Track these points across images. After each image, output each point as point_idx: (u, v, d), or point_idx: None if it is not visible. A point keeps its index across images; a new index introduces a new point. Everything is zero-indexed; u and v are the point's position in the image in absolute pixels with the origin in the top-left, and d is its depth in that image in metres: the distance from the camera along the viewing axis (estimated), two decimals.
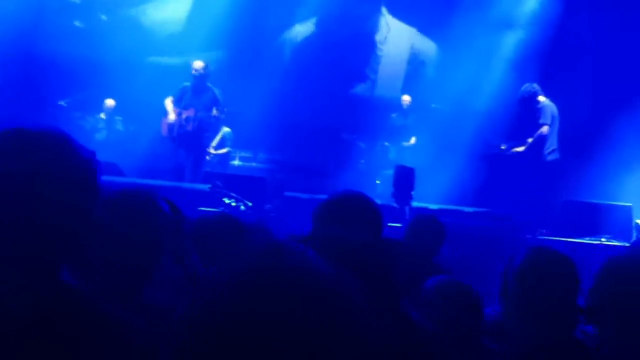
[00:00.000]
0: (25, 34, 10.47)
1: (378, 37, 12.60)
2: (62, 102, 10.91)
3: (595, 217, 7.68)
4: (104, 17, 11.52)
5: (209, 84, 9.44)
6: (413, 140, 10.83)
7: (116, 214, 1.97)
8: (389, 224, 7.18)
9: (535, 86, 8.74)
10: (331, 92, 11.84)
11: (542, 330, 2.29)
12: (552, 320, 2.32)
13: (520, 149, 8.80)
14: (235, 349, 0.83)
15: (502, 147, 9.15)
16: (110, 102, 10.96)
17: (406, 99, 11.09)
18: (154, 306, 1.90)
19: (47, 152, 1.37)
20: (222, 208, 7.21)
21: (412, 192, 7.72)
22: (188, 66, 9.61)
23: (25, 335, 1.31)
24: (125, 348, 1.37)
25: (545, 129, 8.57)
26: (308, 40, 12.38)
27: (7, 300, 1.33)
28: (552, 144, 8.67)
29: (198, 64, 9.37)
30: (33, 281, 1.35)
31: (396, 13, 12.50)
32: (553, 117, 8.66)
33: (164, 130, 9.58)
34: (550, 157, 8.66)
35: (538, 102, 8.64)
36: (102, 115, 10.98)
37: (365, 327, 0.90)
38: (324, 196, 2.57)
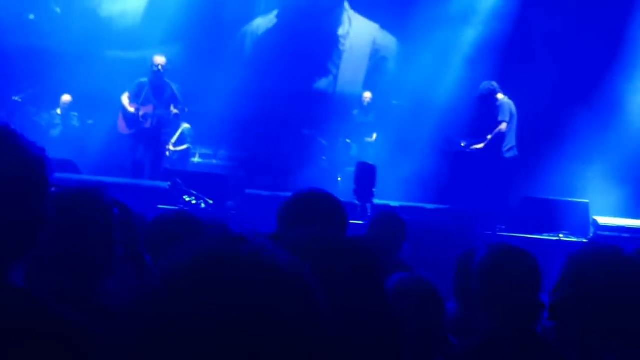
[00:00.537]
0: None
1: (340, 32, 12.59)
2: (16, 98, 10.64)
3: (553, 214, 7.79)
4: (58, 9, 11.27)
5: (167, 80, 9.28)
6: (374, 136, 10.85)
7: (65, 212, 1.93)
8: (351, 221, 7.17)
9: (494, 84, 8.85)
10: (293, 87, 11.78)
11: (504, 326, 2.31)
12: (514, 316, 2.35)
13: (480, 146, 8.89)
14: (184, 337, 0.79)
15: (462, 144, 9.23)
16: (66, 98, 10.74)
17: (367, 95, 11.09)
18: (110, 307, 1.86)
19: None
20: (182, 206, 7.12)
21: (374, 189, 7.74)
22: (145, 60, 9.43)
23: None
24: (71, 349, 1.34)
25: (503, 126, 8.67)
26: (269, 33, 12.30)
27: None
28: (510, 141, 8.78)
29: (160, 59, 9.14)
30: None
31: (358, 8, 12.50)
32: (511, 115, 8.77)
33: (121, 128, 9.40)
34: (508, 154, 8.77)
35: (497, 99, 8.75)
36: (58, 111, 10.75)
37: (324, 316, 0.86)
38: (285, 193, 2.56)
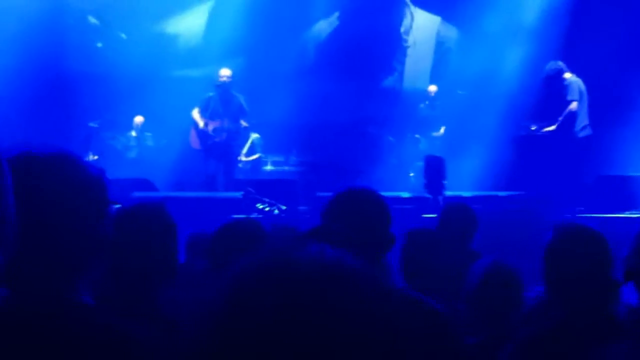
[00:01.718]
0: (52, 59, 10.66)
1: (402, 28, 12.52)
2: (93, 124, 11.06)
3: (631, 191, 7.53)
4: (123, 35, 11.67)
5: (234, 92, 9.47)
6: (442, 130, 10.76)
7: (126, 227, 2.01)
8: (424, 215, 7.14)
9: (560, 64, 8.63)
10: (358, 88, 11.78)
11: (575, 309, 2.27)
12: (585, 297, 2.30)
13: (551, 128, 8.69)
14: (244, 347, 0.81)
15: (533, 128, 9.04)
16: (139, 119, 11.09)
17: (432, 88, 11.03)
18: (170, 318, 1.92)
19: (56, 174, 1.40)
20: (256, 214, 7.26)
21: (444, 182, 7.68)
22: (210, 76, 9.65)
23: (43, 349, 1.35)
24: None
25: (574, 106, 8.45)
26: (332, 36, 12.35)
27: (25, 316, 1.38)
28: (582, 120, 8.54)
29: (225, 72, 9.34)
30: (50, 298, 1.40)
31: (418, 2, 12.42)
32: (581, 93, 8.53)
33: (194, 143, 9.65)
34: (582, 134, 8.54)
35: (564, 79, 8.53)
36: (133, 133, 11.12)
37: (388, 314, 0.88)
38: None
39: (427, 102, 10.96)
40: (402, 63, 12.51)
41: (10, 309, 1.38)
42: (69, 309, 1.41)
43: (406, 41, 12.49)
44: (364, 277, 0.87)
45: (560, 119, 8.57)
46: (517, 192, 8.04)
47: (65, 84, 10.97)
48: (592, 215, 7.09)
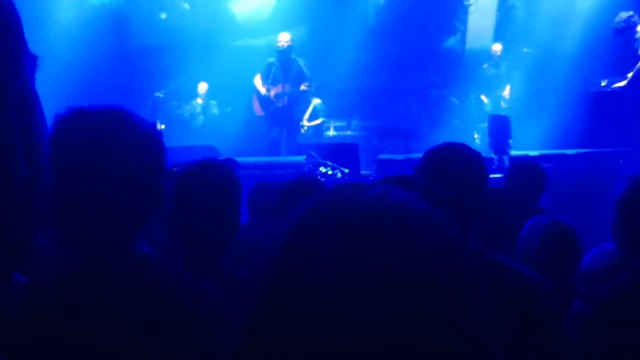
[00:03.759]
0: (117, 32, 10.85)
1: None
2: (158, 94, 11.25)
3: None
4: (186, 5, 11.78)
5: (294, 56, 9.49)
6: (507, 89, 10.51)
7: (189, 187, 2.02)
8: (490, 176, 7.02)
9: (632, 14, 8.27)
10: (420, 50, 11.61)
11: None
12: None
13: (622, 83, 8.37)
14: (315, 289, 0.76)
15: (603, 84, 8.73)
16: (203, 86, 11.21)
17: (496, 47, 10.76)
18: (232, 277, 1.94)
19: (109, 128, 1.41)
20: (319, 177, 7.28)
21: (509, 141, 7.52)
22: (273, 44, 9.69)
23: (104, 294, 1.39)
24: (195, 309, 1.40)
25: None
26: (391, 0, 12.17)
27: (86, 268, 1.42)
28: None
29: (283, 37, 9.40)
30: (109, 250, 1.42)
31: None
32: None
33: (256, 109, 9.73)
34: None
35: (636, 31, 8.19)
36: (199, 100, 11.26)
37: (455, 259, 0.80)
38: (418, 155, 2.49)
39: (491, 62, 10.72)
40: (465, 23, 12.21)
41: (78, 266, 1.41)
42: (134, 262, 1.43)
43: (467, 0, 12.18)
44: (428, 221, 0.80)
45: (631, 73, 8.24)
46: (587, 150, 7.80)
47: (130, 56, 11.17)
48: None
